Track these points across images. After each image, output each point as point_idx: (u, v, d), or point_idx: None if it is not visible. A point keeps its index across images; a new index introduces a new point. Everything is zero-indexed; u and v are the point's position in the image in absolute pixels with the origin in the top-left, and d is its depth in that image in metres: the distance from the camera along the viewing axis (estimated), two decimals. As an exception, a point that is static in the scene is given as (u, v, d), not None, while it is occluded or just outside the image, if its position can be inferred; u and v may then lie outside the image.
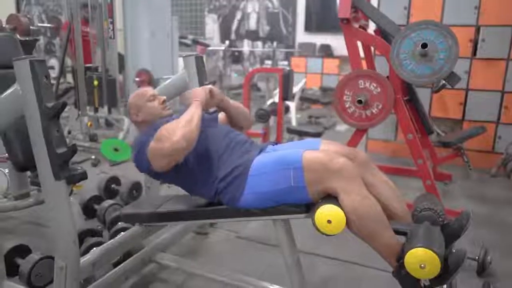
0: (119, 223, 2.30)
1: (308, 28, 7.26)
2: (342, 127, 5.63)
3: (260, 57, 7.83)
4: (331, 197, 1.43)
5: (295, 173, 1.44)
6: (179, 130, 1.48)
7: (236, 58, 7.86)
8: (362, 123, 2.81)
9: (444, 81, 2.64)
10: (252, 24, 7.75)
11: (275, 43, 7.47)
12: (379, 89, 2.70)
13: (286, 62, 7.46)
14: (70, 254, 1.49)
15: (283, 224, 1.64)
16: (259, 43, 7.79)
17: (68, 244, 1.48)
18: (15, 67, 1.39)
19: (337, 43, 7.15)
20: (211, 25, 7.87)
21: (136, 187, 2.96)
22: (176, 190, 1.88)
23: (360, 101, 2.68)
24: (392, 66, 2.63)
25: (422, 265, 1.26)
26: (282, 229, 1.65)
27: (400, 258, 1.38)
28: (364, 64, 3.00)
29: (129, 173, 3.33)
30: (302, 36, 7.40)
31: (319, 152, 1.48)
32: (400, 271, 1.38)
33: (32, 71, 1.37)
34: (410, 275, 1.34)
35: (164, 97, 1.86)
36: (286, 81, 3.40)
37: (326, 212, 1.36)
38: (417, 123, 3.14)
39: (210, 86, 1.83)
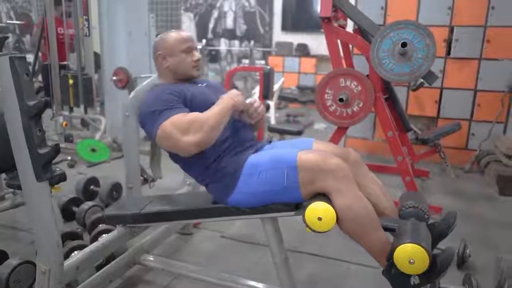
0: (100, 225, 2.25)
1: (285, 27, 7.29)
2: (320, 125, 5.68)
3: (237, 56, 7.82)
4: (321, 196, 1.44)
5: (289, 173, 1.44)
6: (200, 133, 1.46)
7: (213, 57, 7.81)
8: (344, 121, 2.85)
9: (422, 80, 2.71)
10: (229, 23, 7.72)
11: (252, 42, 7.46)
12: (359, 88, 2.74)
13: (263, 61, 7.47)
14: (54, 257, 1.43)
15: (271, 223, 1.64)
16: (236, 42, 7.77)
17: (51, 247, 1.42)
18: (-7, 65, 1.33)
19: (314, 42, 7.22)
20: (187, 24, 7.79)
21: (116, 188, 2.90)
22: (161, 190, 1.85)
23: (341, 100, 2.71)
24: (372, 65, 2.67)
25: (411, 261, 1.28)
26: (271, 227, 1.65)
27: (390, 257, 1.40)
28: (343, 62, 3.02)
29: (108, 174, 3.26)
30: (279, 36, 7.42)
31: (314, 152, 1.49)
32: (390, 270, 1.39)
33: (12, 68, 1.31)
34: (400, 274, 1.36)
35: (199, 56, 1.75)
36: (267, 80, 3.40)
37: (317, 210, 1.36)
38: (395, 121, 3.20)
39: (257, 102, 1.67)
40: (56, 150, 1.38)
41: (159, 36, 1.75)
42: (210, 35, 7.80)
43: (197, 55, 1.72)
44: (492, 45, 3.77)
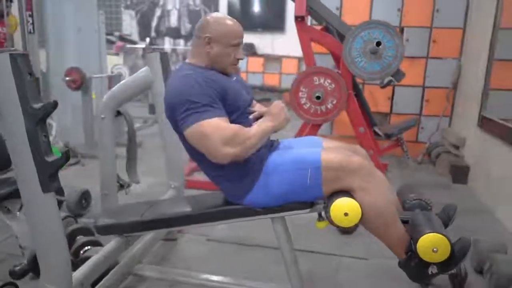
0: (78, 237, 2.09)
1: (231, 26, 7.27)
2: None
3: (183, 55, 7.64)
4: (341, 192, 1.45)
5: (312, 173, 1.44)
6: (238, 147, 1.38)
7: (157, 56, 7.57)
8: (318, 118, 2.91)
9: (391, 77, 2.85)
10: (173, 21, 7.51)
11: (198, 41, 7.36)
12: (333, 85, 2.82)
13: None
14: (63, 276, 1.30)
15: (281, 222, 1.63)
16: (181, 41, 7.59)
17: (60, 265, 1.29)
18: (-11, 63, 1.17)
19: (260, 42, 7.28)
20: (128, 22, 7.46)
21: (85, 196, 2.70)
22: (138, 195, 1.76)
23: (318, 97, 2.76)
24: (345, 63, 2.76)
25: (434, 249, 1.35)
26: (281, 227, 1.64)
27: (409, 249, 1.45)
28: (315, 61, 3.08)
29: (67, 182, 3.02)
30: (225, 35, 7.38)
31: (336, 151, 1.50)
32: (409, 262, 1.45)
33: (13, 67, 1.17)
34: (419, 264, 1.42)
35: (243, 57, 1.61)
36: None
37: (343, 205, 1.38)
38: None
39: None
40: (67, 156, 1.25)
41: (212, 15, 1.55)
42: (153, 34, 7.54)
43: (240, 54, 1.58)
44: (437, 44, 4.08)
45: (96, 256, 1.58)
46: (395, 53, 2.69)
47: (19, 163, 1.23)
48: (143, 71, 2.22)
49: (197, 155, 1.54)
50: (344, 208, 1.37)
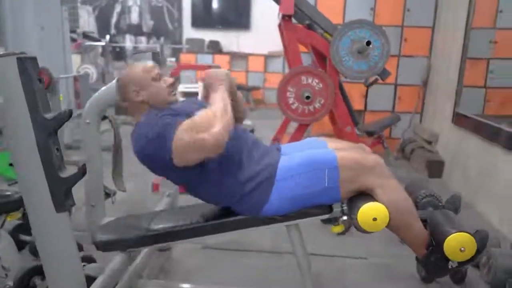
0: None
1: (196, 23, 7.10)
2: (248, 121, 5.68)
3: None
4: (363, 195, 1.43)
5: (329, 174, 1.40)
6: (218, 121, 1.29)
7: (118, 54, 7.24)
8: (306, 118, 2.89)
9: (377, 76, 2.87)
10: (134, 18, 7.22)
11: (162, 39, 7.11)
12: (321, 85, 2.80)
13: (173, 59, 7.19)
14: (79, 302, 1.18)
15: (296, 229, 1.59)
16: (143, 39, 7.31)
17: (76, 291, 1.17)
18: (-8, 67, 1.03)
19: (226, 39, 7.18)
20: (86, 18, 7.08)
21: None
22: (126, 204, 1.65)
23: (308, 97, 2.74)
24: (333, 63, 2.75)
25: (462, 249, 1.35)
26: (296, 233, 1.60)
27: (429, 245, 1.45)
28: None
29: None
30: (189, 32, 7.20)
31: (351, 150, 1.47)
32: (429, 257, 1.45)
33: (21, 72, 1.03)
34: (439, 260, 1.42)
35: (172, 79, 1.59)
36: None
37: (370, 210, 1.35)
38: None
39: (226, 70, 1.57)
40: (84, 171, 1.12)
41: (120, 78, 1.58)
42: (113, 31, 7.21)
43: (168, 80, 1.58)
44: (408, 43, 4.19)
45: (102, 276, 1.45)
46: (381, 52, 2.72)
47: (27, 181, 1.09)
48: (132, 72, 2.08)
49: (202, 191, 1.50)
50: (373, 213, 1.34)
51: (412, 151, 4.02)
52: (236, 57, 7.22)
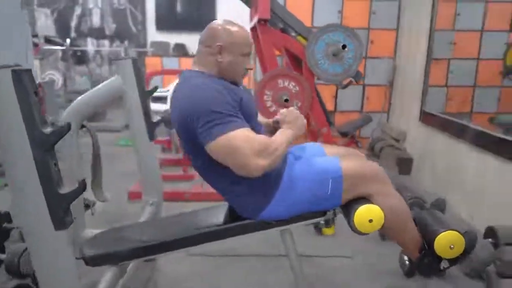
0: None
1: (161, 26, 6.98)
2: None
3: (108, 57, 7.16)
4: (359, 199, 1.47)
5: (334, 182, 1.42)
6: (271, 156, 1.30)
7: (80, 58, 7.00)
8: (284, 121, 2.91)
9: (351, 78, 2.95)
10: (95, 20, 6.99)
11: (126, 42, 6.93)
12: (297, 88, 2.84)
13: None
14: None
15: (290, 233, 1.61)
16: (106, 42, 7.10)
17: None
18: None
19: (192, 42, 7.09)
20: (43, 21, 6.79)
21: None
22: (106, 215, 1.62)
23: (286, 100, 2.76)
24: (309, 66, 2.80)
25: (451, 246, 1.42)
26: (290, 238, 1.62)
27: (422, 248, 1.51)
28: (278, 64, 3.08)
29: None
30: (154, 35, 7.07)
31: (352, 158, 1.51)
32: (423, 259, 1.51)
33: (16, 85, 0.98)
34: (432, 261, 1.49)
35: (251, 66, 1.51)
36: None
37: (367, 212, 1.39)
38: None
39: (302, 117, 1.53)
40: (84, 186, 1.09)
41: (219, 23, 1.45)
42: (73, 34, 6.95)
43: (251, 65, 1.52)
44: (374, 45, 4.33)
45: (98, 292, 1.40)
46: (355, 54, 2.80)
47: (24, 198, 1.04)
48: (113, 79, 2.02)
49: (211, 173, 1.45)
50: (369, 215, 1.39)
51: (381, 149, 4.15)
52: (203, 59, 7.14)
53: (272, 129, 1.57)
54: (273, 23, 3.11)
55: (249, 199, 1.46)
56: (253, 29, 3.55)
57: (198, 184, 3.13)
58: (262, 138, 1.33)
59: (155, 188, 2.17)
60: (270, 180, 1.44)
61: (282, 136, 1.40)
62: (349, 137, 3.42)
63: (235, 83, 1.47)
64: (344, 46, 2.65)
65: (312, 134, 3.52)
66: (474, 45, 4.02)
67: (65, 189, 1.05)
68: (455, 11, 3.84)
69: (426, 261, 1.51)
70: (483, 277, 2.06)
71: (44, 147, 1.01)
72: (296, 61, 3.26)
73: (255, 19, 3.06)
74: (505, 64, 3.76)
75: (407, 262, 2.11)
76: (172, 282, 2.07)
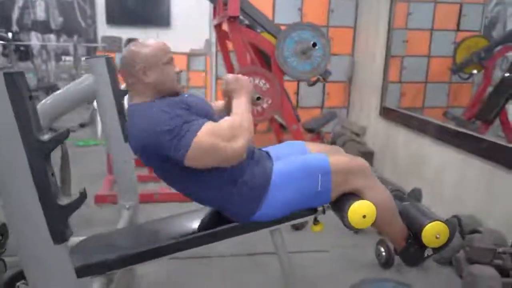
0: (19, 283, 1.75)
1: (111, 21, 6.67)
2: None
3: (55, 52, 6.75)
4: (347, 194, 1.50)
5: (323, 178, 1.45)
6: (243, 133, 1.30)
7: (23, 54, 6.54)
8: (255, 119, 2.89)
9: (319, 76, 3.00)
10: (40, 13, 6.55)
11: (75, 37, 6.57)
12: (268, 85, 2.85)
13: (88, 58, 6.71)
14: None
15: (279, 233, 1.63)
16: (52, 36, 6.68)
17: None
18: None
19: (146, 37, 6.86)
20: (-20, 13, 6.26)
21: (1, 231, 2.22)
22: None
23: (258, 98, 2.75)
24: (278, 63, 2.82)
25: (437, 236, 1.50)
26: (280, 237, 1.64)
27: (408, 238, 1.58)
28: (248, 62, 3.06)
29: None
30: (105, 30, 6.75)
31: (340, 155, 1.54)
32: (409, 248, 1.58)
33: (10, 89, 0.90)
34: (417, 250, 1.56)
35: (178, 69, 1.49)
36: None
37: (360, 208, 1.43)
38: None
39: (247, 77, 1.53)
40: (85, 196, 1.02)
41: (128, 50, 1.43)
42: (15, 28, 6.48)
43: (178, 68, 1.50)
44: (333, 42, 4.40)
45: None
46: (323, 52, 2.85)
47: (18, 210, 0.96)
48: (84, 79, 1.91)
49: (197, 189, 1.44)
50: (362, 211, 1.42)
51: (344, 144, 4.27)
52: (157, 55, 6.95)
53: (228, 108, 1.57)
54: (241, 20, 3.09)
55: (240, 205, 1.45)
56: (217, 26, 3.51)
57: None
58: (224, 122, 1.33)
59: (131, 191, 2.09)
60: (259, 183, 1.44)
61: (239, 107, 1.41)
62: (315, 134, 3.48)
63: (176, 93, 1.47)
64: (314, 44, 2.68)
65: (277, 131, 3.56)
66: (425, 43, 4.27)
67: (64, 201, 0.98)
68: (407, 11, 4.04)
69: (412, 250, 1.58)
70: (452, 263, 2.20)
71: (41, 155, 0.93)
72: (261, 58, 3.27)
73: (221, 16, 3.02)
74: (455, 62, 4.01)
75: (383, 254, 2.21)
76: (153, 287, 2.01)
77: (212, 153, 1.28)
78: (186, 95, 1.53)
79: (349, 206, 1.42)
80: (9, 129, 0.90)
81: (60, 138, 0.95)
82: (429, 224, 1.49)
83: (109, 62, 1.91)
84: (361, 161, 1.53)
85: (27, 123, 0.91)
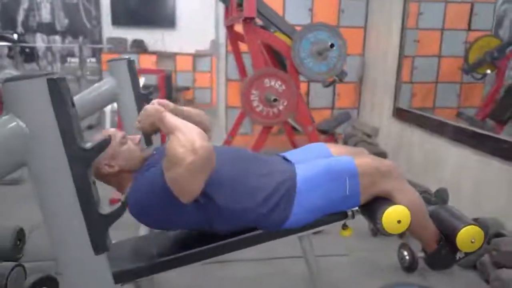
0: (43, 288, 1.72)
1: (117, 21, 6.64)
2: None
3: (61, 53, 6.72)
4: (379, 198, 1.47)
5: (350, 181, 1.41)
6: (191, 137, 1.13)
7: (29, 55, 6.50)
8: (271, 121, 2.89)
9: (335, 77, 2.98)
10: (45, 15, 6.52)
11: (81, 38, 6.53)
12: (283, 87, 2.82)
13: (94, 59, 6.69)
14: None
15: (308, 238, 1.60)
16: (57, 38, 6.65)
17: None
18: (14, 91, 0.85)
19: (151, 38, 6.85)
20: (-15, 15, 6.23)
21: (19, 236, 2.20)
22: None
23: (275, 100, 2.73)
24: (294, 64, 2.79)
25: (472, 240, 1.46)
26: (308, 242, 1.61)
27: (439, 240, 1.55)
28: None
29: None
30: (110, 31, 6.71)
31: (367, 157, 1.50)
32: (440, 251, 1.54)
33: (53, 95, 0.87)
34: (448, 253, 1.53)
35: (138, 136, 1.45)
36: (169, 82, 3.12)
37: (394, 213, 1.39)
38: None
39: (156, 100, 1.45)
40: (125, 204, 0.99)
41: None
42: (20, 29, 6.45)
43: (135, 137, 1.46)
44: (344, 42, 4.40)
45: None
46: (339, 53, 2.82)
47: (59, 220, 0.93)
48: (105, 82, 1.88)
49: (225, 217, 1.39)
50: (396, 216, 1.39)
51: (355, 145, 4.24)
52: (163, 56, 6.93)
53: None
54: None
55: (269, 217, 1.41)
56: (229, 27, 3.49)
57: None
58: (169, 149, 1.16)
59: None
60: (284, 190, 1.41)
61: (167, 129, 1.23)
62: (329, 135, 3.46)
63: (145, 158, 1.44)
64: (332, 45, 2.65)
65: (289, 132, 3.52)
66: (435, 43, 4.24)
67: (105, 210, 0.95)
68: (418, 10, 4.01)
69: (443, 252, 1.55)
70: (477, 267, 2.17)
71: (84, 163, 0.90)
72: (273, 58, 3.25)
73: (234, 17, 3.00)
74: (467, 62, 3.98)
75: (407, 258, 2.17)
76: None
77: (187, 176, 1.13)
78: (156, 152, 1.50)
79: (383, 212, 1.39)
80: (51, 136, 0.87)
81: (102, 146, 0.92)
82: (464, 228, 1.46)
83: (131, 64, 1.88)
84: (388, 163, 1.49)
85: (70, 130, 0.88)
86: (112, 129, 1.45)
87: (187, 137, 1.12)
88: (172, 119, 1.25)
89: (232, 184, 1.40)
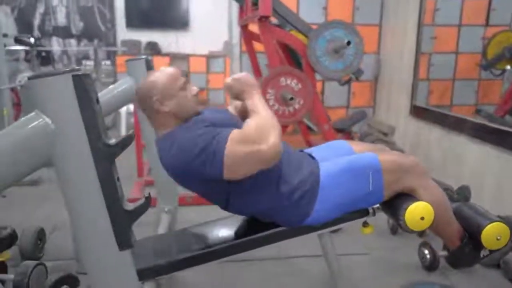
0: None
1: (131, 24, 6.70)
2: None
3: (76, 57, 6.81)
4: (401, 195, 1.44)
5: (374, 177, 1.39)
6: (272, 130, 1.22)
7: (45, 59, 6.60)
8: (287, 120, 2.87)
9: (352, 75, 2.95)
10: (61, 19, 6.62)
11: (96, 41, 6.62)
12: (300, 86, 2.80)
13: (109, 62, 6.76)
14: None
15: (328, 235, 1.58)
16: (73, 41, 6.75)
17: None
18: (39, 88, 0.86)
19: (165, 40, 6.89)
20: (4, 20, 6.35)
21: (40, 236, 2.22)
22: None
23: (291, 98, 2.72)
24: (310, 63, 2.77)
25: (498, 237, 1.43)
26: (328, 239, 1.59)
27: (463, 237, 1.52)
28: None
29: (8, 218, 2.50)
30: (124, 33, 6.78)
31: (390, 153, 1.48)
32: (464, 248, 1.51)
33: (78, 92, 0.87)
34: (473, 250, 1.50)
35: (197, 88, 1.43)
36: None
37: (417, 210, 1.37)
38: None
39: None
40: (150, 201, 0.99)
41: (139, 84, 1.41)
42: (37, 33, 6.56)
43: (194, 88, 1.44)
44: (359, 41, 4.36)
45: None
46: (356, 51, 2.79)
47: (84, 217, 0.93)
48: (123, 81, 1.90)
49: (245, 204, 1.40)
50: (420, 213, 1.36)
51: (373, 143, 4.20)
52: (177, 58, 6.97)
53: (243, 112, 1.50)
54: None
55: (290, 211, 1.40)
56: (244, 27, 3.48)
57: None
58: (248, 126, 1.27)
59: (171, 195, 2.06)
60: (307, 188, 1.39)
61: (256, 106, 1.33)
62: (345, 133, 3.43)
63: (197, 113, 1.42)
64: (349, 43, 2.63)
65: (304, 131, 3.50)
66: (452, 39, 4.17)
67: (130, 206, 0.95)
68: (434, 6, 3.96)
69: (467, 249, 1.51)
70: (500, 265, 2.12)
71: (108, 159, 0.90)
72: (289, 56, 3.23)
73: (250, 17, 2.99)
74: (486, 58, 3.90)
75: (428, 256, 2.14)
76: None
77: (247, 159, 1.23)
78: (206, 112, 1.49)
79: (406, 208, 1.36)
80: (76, 132, 0.87)
81: (127, 143, 0.92)
82: (489, 225, 1.42)
83: (149, 63, 1.89)
84: (412, 158, 1.47)
85: (95, 126, 0.88)
86: (177, 70, 1.42)
87: (271, 128, 1.23)
88: (262, 102, 1.33)
89: (270, 168, 1.35)
